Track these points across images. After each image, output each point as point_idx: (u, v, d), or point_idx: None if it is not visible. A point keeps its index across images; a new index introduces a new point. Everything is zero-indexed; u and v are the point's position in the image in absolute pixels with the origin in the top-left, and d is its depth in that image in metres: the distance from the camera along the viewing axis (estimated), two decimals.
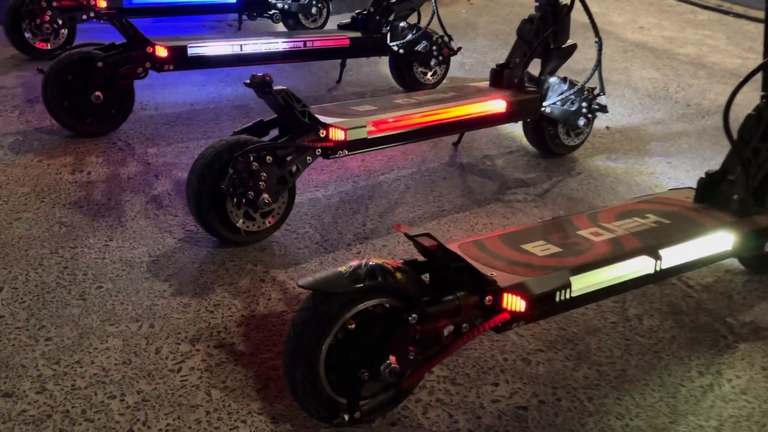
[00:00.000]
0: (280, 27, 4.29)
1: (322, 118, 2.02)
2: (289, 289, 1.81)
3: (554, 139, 2.71)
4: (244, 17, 4.17)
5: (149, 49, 2.57)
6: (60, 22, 3.33)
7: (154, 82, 3.20)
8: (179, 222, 2.10)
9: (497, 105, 2.37)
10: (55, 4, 3.29)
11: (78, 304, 1.69)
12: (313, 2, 4.15)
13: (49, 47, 3.39)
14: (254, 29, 4.40)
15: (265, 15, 4.06)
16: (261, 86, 1.92)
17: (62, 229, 2.01)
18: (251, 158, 1.83)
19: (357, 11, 3.28)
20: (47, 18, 3.28)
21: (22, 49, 3.36)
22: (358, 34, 3.11)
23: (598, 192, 2.54)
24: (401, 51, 3.24)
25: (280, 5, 4.07)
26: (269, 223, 1.96)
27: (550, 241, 1.58)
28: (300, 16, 4.23)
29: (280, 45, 2.83)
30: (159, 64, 2.61)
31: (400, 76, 3.39)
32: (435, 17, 3.19)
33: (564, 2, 2.54)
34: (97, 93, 2.50)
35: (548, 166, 2.73)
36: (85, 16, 3.42)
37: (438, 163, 2.67)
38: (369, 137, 2.04)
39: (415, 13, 3.28)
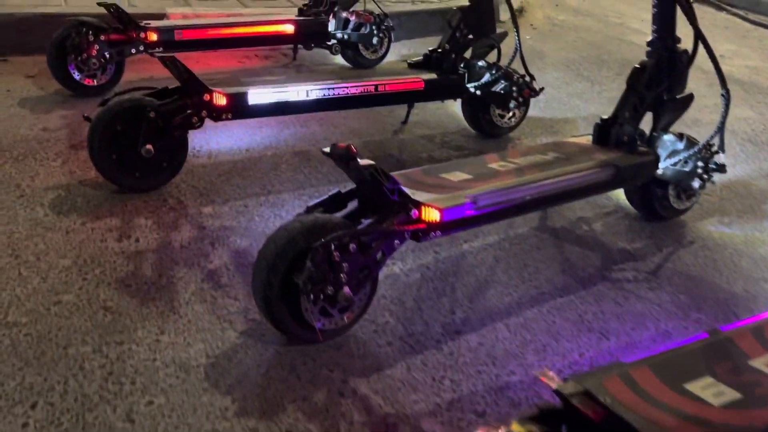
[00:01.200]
0: (339, 59, 4.02)
1: (412, 193, 1.71)
2: (374, 409, 1.50)
3: (663, 202, 2.36)
4: (300, 46, 3.91)
5: (206, 97, 2.30)
6: (107, 56, 3.10)
7: (206, 123, 2.94)
8: (240, 308, 1.81)
9: (607, 171, 2.03)
10: (102, 37, 3.06)
11: (124, 428, 1.41)
12: (375, 32, 3.87)
13: (95, 83, 3.16)
14: (310, 59, 4.13)
15: (323, 46, 3.79)
16: (344, 158, 1.62)
17: (107, 317, 1.74)
18: (332, 247, 1.53)
19: (430, 48, 2.97)
20: (94, 52, 3.05)
21: (67, 85, 3.14)
22: (432, 76, 2.80)
23: (718, 268, 2.18)
24: (478, 92, 2.93)
25: (339, 35, 3.79)
26: (347, 319, 1.65)
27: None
28: (360, 46, 3.95)
29: (350, 89, 2.53)
30: (217, 113, 2.34)
31: (474, 118, 3.07)
32: (518, 55, 2.87)
33: (683, 48, 2.19)
34: (148, 146, 2.24)
35: (654, 232, 2.38)
36: (134, 50, 3.19)
37: (527, 228, 2.34)
38: (469, 216, 1.72)
39: (495, 51, 2.96)
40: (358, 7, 3.92)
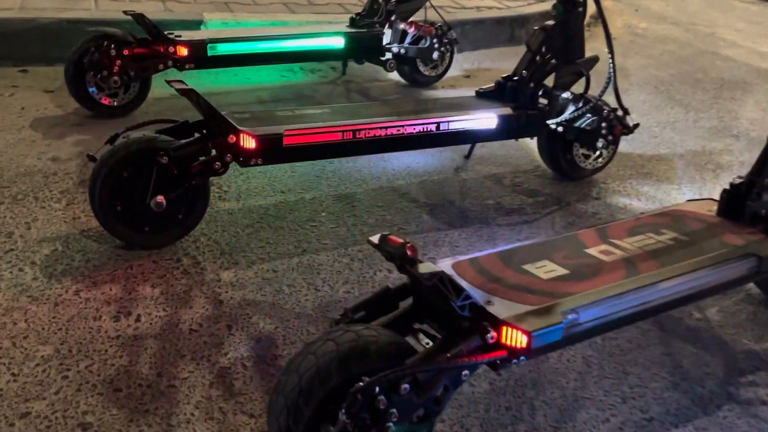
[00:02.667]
0: (393, 74, 3.60)
1: (487, 299, 1.28)
2: None
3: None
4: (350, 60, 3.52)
5: (232, 138, 1.91)
6: (132, 73, 2.76)
7: None
8: (256, 431, 1.42)
9: (747, 263, 1.55)
10: (126, 52, 2.72)
11: None
12: (436, 46, 3.43)
13: (116, 104, 2.83)
14: (361, 74, 3.72)
15: (377, 61, 3.37)
16: (400, 260, 1.21)
17: None
18: (376, 390, 1.11)
19: (503, 76, 2.53)
20: (115, 69, 2.71)
21: (86, 105, 2.81)
22: (507, 110, 2.34)
23: None
24: (560, 129, 2.47)
25: (395, 49, 3.37)
26: None
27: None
28: (418, 62, 3.52)
29: (406, 129, 2.11)
30: (244, 158, 1.95)
31: (552, 158, 2.61)
32: (611, 85, 2.40)
33: None
34: (160, 198, 1.87)
35: None
36: (161, 66, 2.83)
37: None
38: (565, 337, 1.27)
39: (583, 80, 2.49)
40: (418, 16, 3.50)
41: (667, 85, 4.07)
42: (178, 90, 1.87)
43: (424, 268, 1.19)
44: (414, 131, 2.13)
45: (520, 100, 2.39)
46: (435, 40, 3.43)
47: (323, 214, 2.30)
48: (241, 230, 2.16)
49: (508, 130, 2.34)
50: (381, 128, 2.08)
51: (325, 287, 1.91)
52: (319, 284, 1.92)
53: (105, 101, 2.79)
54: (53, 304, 1.75)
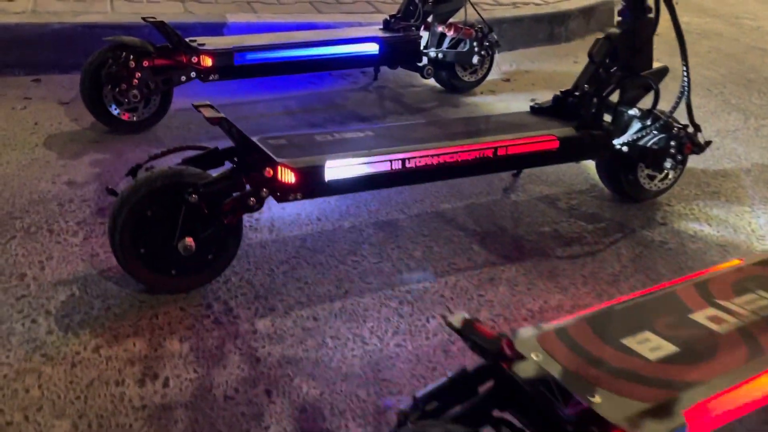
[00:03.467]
0: (430, 81, 3.37)
1: (590, 391, 1.06)
2: None
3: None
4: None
5: (269, 172, 1.70)
6: (152, 86, 2.55)
7: None
8: None
9: None
10: (146, 63, 2.51)
11: None
12: (476, 49, 3.20)
13: (136, 119, 2.63)
14: (394, 79, 3.49)
15: (413, 68, 3.14)
16: (466, 336, 0.99)
17: None
18: None
19: (562, 90, 2.29)
20: (135, 82, 2.50)
21: (104, 120, 2.61)
22: (570, 131, 2.11)
23: None
24: (625, 149, 2.23)
25: (432, 54, 3.14)
26: None
27: None
28: (456, 67, 3.29)
29: (459, 156, 1.89)
30: (282, 193, 1.74)
31: (613, 178, 2.37)
32: (683, 100, 2.16)
33: None
34: (188, 240, 1.66)
35: None
36: (184, 78, 2.63)
37: None
38: None
39: (652, 94, 2.25)
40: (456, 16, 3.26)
41: (720, 87, 3.81)
42: (208, 119, 1.66)
43: (524, 367, 0.97)
44: (469, 158, 1.90)
45: (583, 118, 2.16)
46: (475, 44, 3.20)
47: (365, 245, 2.09)
48: (276, 267, 1.95)
49: (571, 152, 2.11)
50: (433, 156, 1.86)
51: (373, 339, 1.70)
52: (366, 335, 1.71)
53: (124, 117, 2.59)
54: (70, 364, 1.55)
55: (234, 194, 1.70)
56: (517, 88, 3.58)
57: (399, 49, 3.01)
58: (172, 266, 1.73)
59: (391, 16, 3.16)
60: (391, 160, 1.81)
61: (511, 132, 2.03)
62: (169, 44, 2.63)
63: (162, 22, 2.54)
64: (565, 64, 4.04)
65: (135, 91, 2.51)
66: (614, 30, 2.21)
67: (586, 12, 4.48)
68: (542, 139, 2.02)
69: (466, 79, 3.34)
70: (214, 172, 1.78)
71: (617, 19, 2.25)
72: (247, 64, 2.68)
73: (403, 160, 1.82)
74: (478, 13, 3.19)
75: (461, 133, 2.01)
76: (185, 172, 1.70)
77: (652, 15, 2.20)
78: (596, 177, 2.51)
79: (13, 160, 2.44)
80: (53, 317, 1.69)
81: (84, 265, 1.90)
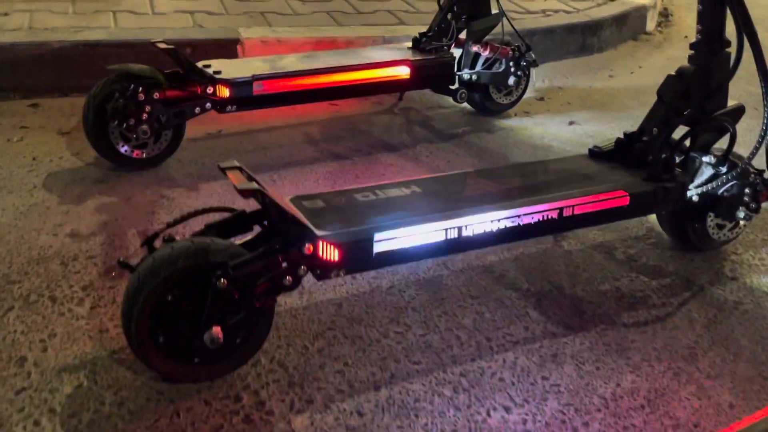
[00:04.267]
0: (464, 106, 3.14)
1: None
2: None
3: None
4: None
5: (309, 249, 1.47)
6: (163, 120, 2.32)
7: None
8: None
9: None
10: (156, 95, 2.28)
11: None
12: (512, 69, 2.96)
13: (145, 156, 2.40)
14: (420, 100, 3.26)
15: (446, 91, 2.91)
16: None
17: None
18: None
19: (627, 133, 2.05)
20: (145, 117, 2.27)
21: (111, 158, 2.38)
22: (641, 184, 1.87)
23: None
24: (696, 198, 2.01)
25: (466, 76, 2.90)
26: None
27: None
28: (491, 89, 3.05)
29: (522, 219, 1.66)
30: (324, 270, 1.51)
31: (678, 227, 2.15)
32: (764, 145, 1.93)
33: None
34: (215, 331, 1.44)
35: None
36: (198, 110, 2.39)
37: None
38: None
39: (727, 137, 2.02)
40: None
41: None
42: (240, 191, 1.43)
43: None
44: (532, 221, 1.68)
45: (653, 168, 1.93)
46: (511, 63, 2.96)
47: (408, 312, 1.87)
48: (310, 344, 1.73)
49: (642, 208, 1.89)
50: (492, 221, 1.63)
51: None
52: None
53: (134, 154, 2.36)
54: None
55: (268, 274, 1.48)
56: (552, 108, 3.35)
57: (431, 73, 2.78)
58: (195, 354, 1.51)
59: (421, 35, 2.92)
60: (446, 229, 1.58)
61: (575, 185, 1.81)
62: (180, 70, 2.40)
63: (174, 49, 2.31)
64: (601, 79, 3.80)
65: (145, 127, 2.28)
66: (687, 66, 1.98)
67: (619, 20, 4.24)
68: (612, 196, 1.79)
69: (500, 101, 3.11)
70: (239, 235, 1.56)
71: (689, 53, 2.01)
72: (267, 93, 2.44)
73: (460, 228, 1.59)
74: (516, 31, 2.95)
75: (519, 188, 1.79)
76: (211, 248, 1.47)
77: (729, 49, 1.97)
78: (652, 220, 2.30)
79: (9, 206, 2.21)
80: (58, 418, 1.47)
81: (92, 344, 1.67)
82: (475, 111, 3.17)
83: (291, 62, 2.61)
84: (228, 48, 3.07)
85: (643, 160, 1.97)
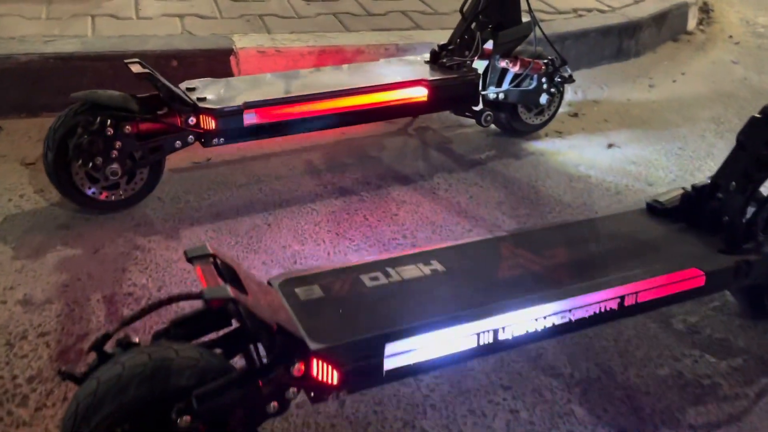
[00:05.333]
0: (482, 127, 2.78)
1: None
2: None
3: None
4: None
5: (299, 370, 1.13)
6: (137, 157, 1.99)
7: None
8: None
9: None
10: (128, 129, 1.94)
11: None
12: (544, 86, 2.60)
13: (115, 199, 2.07)
14: (436, 118, 2.90)
15: (469, 114, 2.56)
16: None
17: None
18: None
19: (695, 186, 1.69)
20: (115, 155, 1.94)
21: (76, 200, 2.05)
22: (719, 260, 1.51)
23: None
24: None
25: (492, 95, 2.55)
26: None
27: None
28: (519, 108, 2.70)
29: (576, 312, 1.32)
30: (319, 393, 1.18)
31: (757, 300, 1.79)
32: None
33: None
34: None
35: None
36: (179, 143, 2.06)
37: None
38: None
39: None
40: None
41: None
42: (207, 301, 1.09)
43: None
44: (585, 315, 1.34)
45: (731, 234, 1.57)
46: (544, 80, 2.60)
47: (426, 410, 1.53)
48: None
49: (720, 286, 1.54)
50: (537, 319, 1.29)
51: None
52: None
53: (102, 196, 2.03)
54: None
55: (245, 403, 1.15)
56: (588, 127, 2.99)
57: (453, 94, 2.42)
58: None
59: (441, 47, 2.56)
60: (478, 333, 1.25)
61: (636, 260, 1.46)
62: (159, 93, 2.06)
63: (149, 74, 1.96)
64: (640, 89, 3.42)
65: (115, 166, 1.95)
66: None
67: (659, 19, 3.85)
68: (683, 278, 1.45)
69: (529, 121, 2.75)
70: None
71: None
72: (260, 124, 2.10)
73: (496, 331, 1.26)
74: (549, 42, 2.58)
75: (567, 266, 1.44)
76: (173, 366, 1.14)
77: None
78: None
79: None
80: None
81: None
82: (500, 131, 2.81)
83: (288, 84, 2.27)
84: (220, 60, 2.72)
85: (717, 222, 1.61)
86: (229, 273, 1.23)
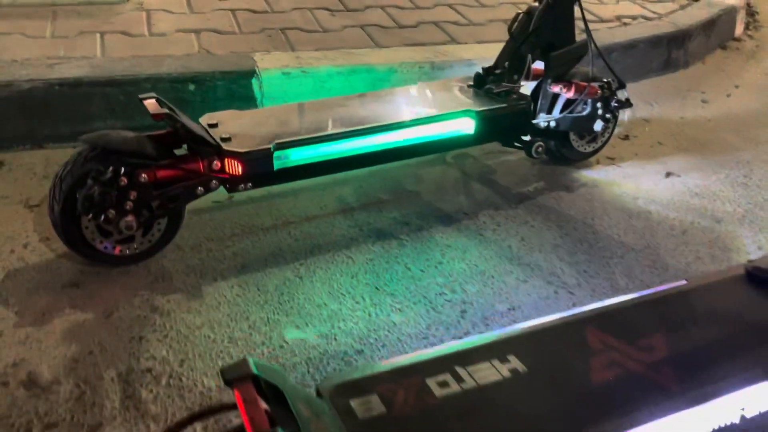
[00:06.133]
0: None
1: None
2: None
3: None
4: None
5: None
6: (154, 206, 1.77)
7: None
8: None
9: None
10: (144, 177, 1.72)
11: None
12: (599, 111, 2.37)
13: (129, 252, 1.85)
14: (483, 153, 2.67)
15: (518, 146, 2.32)
16: None
17: None
18: None
19: None
20: (130, 206, 1.73)
21: (85, 254, 1.84)
22: None
23: None
24: None
25: (542, 124, 2.31)
26: None
27: None
28: (571, 136, 2.46)
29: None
30: None
31: None
32: None
33: None
34: None
35: None
36: (201, 190, 1.84)
37: None
38: None
39: None
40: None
41: None
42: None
43: None
44: None
45: None
46: (599, 105, 2.37)
47: None
48: None
49: None
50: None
51: None
52: None
53: (115, 251, 1.82)
54: None
55: None
56: (641, 152, 2.74)
57: (502, 125, 2.19)
58: None
59: (486, 70, 2.32)
60: None
61: (753, 356, 1.23)
62: (173, 129, 1.83)
63: (168, 114, 1.74)
64: (693, 106, 3.18)
65: (129, 219, 1.73)
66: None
67: (708, 26, 3.59)
68: None
69: (581, 149, 2.52)
70: None
71: None
72: (294, 167, 1.88)
73: None
74: (606, 63, 2.34)
75: (670, 364, 1.21)
76: None
77: None
78: None
79: None
80: None
81: None
82: (547, 158, 2.58)
83: (320, 116, 2.03)
84: (240, 83, 2.50)
85: None
86: (273, 394, 1.02)
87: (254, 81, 2.53)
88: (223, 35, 2.86)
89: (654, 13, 3.59)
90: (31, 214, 2.10)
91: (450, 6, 3.41)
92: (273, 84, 2.56)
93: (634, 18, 3.48)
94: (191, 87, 2.45)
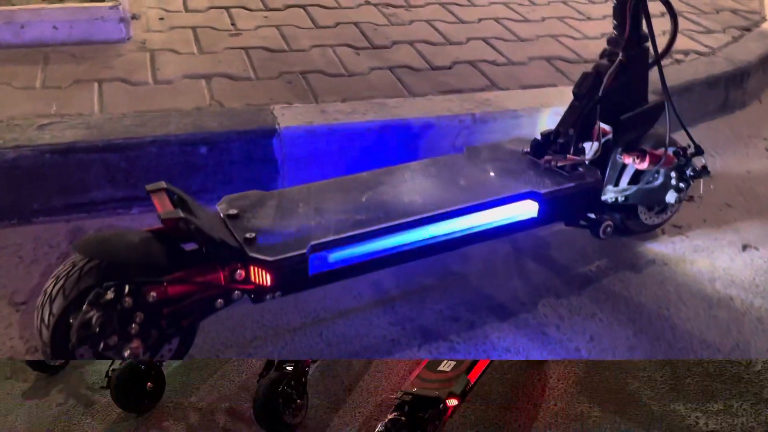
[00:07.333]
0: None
1: None
2: None
3: None
4: None
5: None
6: (164, 325, 1.47)
7: None
8: None
9: None
10: (153, 294, 1.42)
11: None
12: (673, 182, 2.07)
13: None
14: (550, 237, 2.36)
15: (583, 224, 2.02)
16: None
17: None
18: None
19: None
20: (135, 329, 1.42)
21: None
22: None
23: None
24: None
25: (610, 198, 2.01)
26: None
27: None
28: (639, 209, 2.16)
29: None
30: None
31: None
32: None
33: None
34: None
35: None
36: (221, 302, 1.53)
37: None
38: None
39: None
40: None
41: None
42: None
43: None
44: None
45: None
46: (673, 174, 2.07)
47: None
48: None
49: None
50: None
51: None
52: None
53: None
54: None
55: None
56: (710, 217, 2.44)
57: (569, 205, 1.89)
58: None
59: (545, 137, 2.01)
60: None
61: None
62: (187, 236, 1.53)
63: (184, 218, 1.43)
64: (758, 156, 2.87)
65: (134, 345, 1.43)
66: None
67: (766, 62, 3.29)
68: None
69: (648, 221, 2.21)
70: None
71: None
72: (331, 270, 1.57)
73: None
74: (684, 127, 2.05)
75: None
76: None
77: None
78: None
79: None
80: None
81: None
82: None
83: (359, 199, 1.72)
84: (259, 144, 2.19)
85: None
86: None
87: (275, 140, 2.22)
88: (236, 81, 2.54)
89: (706, 46, 3.28)
90: (15, 316, 1.78)
91: (484, 40, 3.10)
92: (296, 143, 2.24)
93: (685, 54, 3.17)
94: (203, 150, 2.15)
